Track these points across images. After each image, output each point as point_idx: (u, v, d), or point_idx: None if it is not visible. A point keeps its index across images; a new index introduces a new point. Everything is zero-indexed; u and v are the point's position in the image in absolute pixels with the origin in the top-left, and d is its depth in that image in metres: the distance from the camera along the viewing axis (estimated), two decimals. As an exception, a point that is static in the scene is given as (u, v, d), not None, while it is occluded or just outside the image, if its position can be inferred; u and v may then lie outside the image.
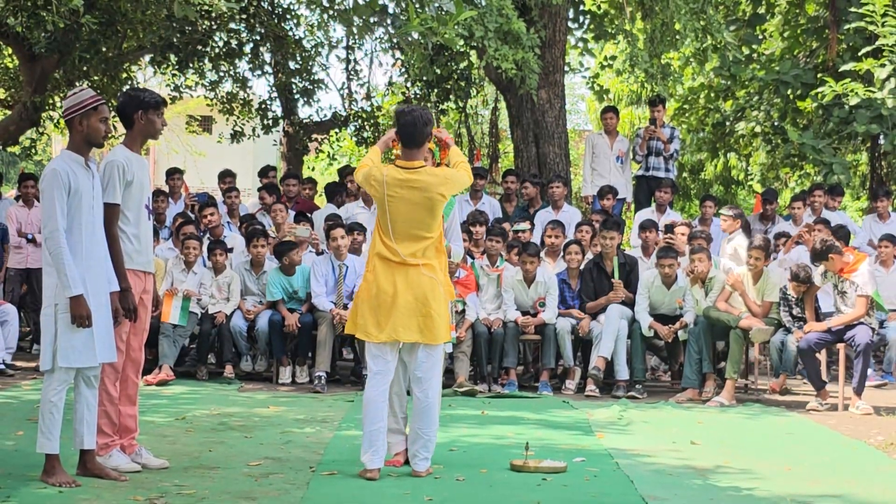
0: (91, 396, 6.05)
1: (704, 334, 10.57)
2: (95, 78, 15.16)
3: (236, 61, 17.21)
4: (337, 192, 13.81)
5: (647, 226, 12.28)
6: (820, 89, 14.03)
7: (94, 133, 6.04)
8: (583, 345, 11.36)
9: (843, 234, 11.75)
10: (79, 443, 6.05)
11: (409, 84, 17.72)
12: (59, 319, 5.85)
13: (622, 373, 10.84)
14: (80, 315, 5.80)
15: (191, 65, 16.48)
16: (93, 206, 6.01)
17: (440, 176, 6.45)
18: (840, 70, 14.75)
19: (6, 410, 8.60)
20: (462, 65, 16.64)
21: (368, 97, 18.42)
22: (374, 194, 6.41)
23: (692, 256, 10.86)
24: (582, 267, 11.46)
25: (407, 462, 6.63)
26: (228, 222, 12.92)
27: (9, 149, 16.62)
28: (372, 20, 11.11)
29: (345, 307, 11.00)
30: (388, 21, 11.01)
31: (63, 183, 5.86)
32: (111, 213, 6.26)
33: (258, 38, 16.76)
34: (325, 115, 18.39)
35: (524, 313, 11.18)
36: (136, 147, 6.49)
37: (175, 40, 15.22)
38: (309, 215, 12.72)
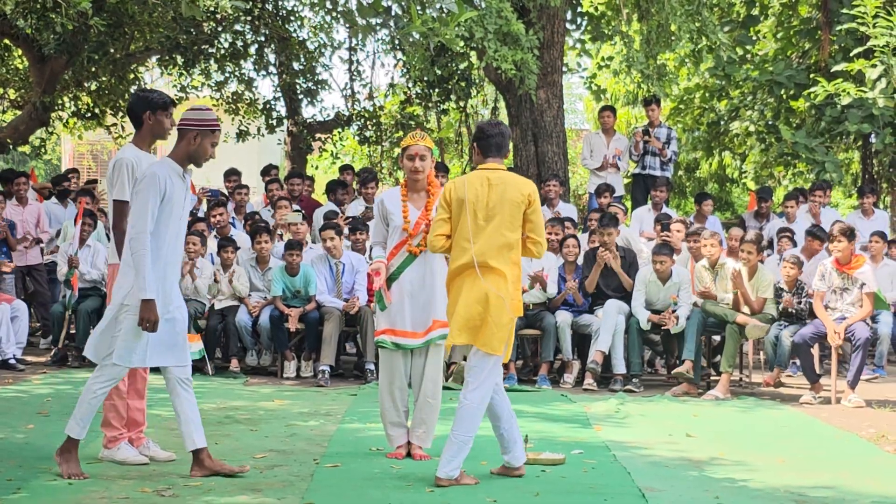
0: (189, 397, 6.10)
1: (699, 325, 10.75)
2: (104, 79, 15.31)
3: (241, 62, 17.29)
4: (335, 191, 13.94)
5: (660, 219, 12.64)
6: (812, 89, 14.11)
7: (202, 152, 6.10)
8: (581, 339, 11.47)
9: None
10: (190, 444, 6.07)
11: (410, 84, 17.85)
12: (126, 319, 5.91)
13: (619, 367, 10.95)
14: (148, 318, 5.83)
15: (197, 65, 16.59)
16: (181, 217, 6.09)
17: (522, 179, 6.41)
18: (832, 70, 14.82)
19: (17, 404, 8.69)
20: (462, 65, 16.74)
21: (371, 97, 18.50)
22: (456, 198, 6.25)
23: (703, 240, 11.01)
24: (580, 261, 11.65)
25: (408, 455, 6.78)
26: (234, 219, 13.07)
27: (19, 148, 16.75)
28: (375, 21, 11.24)
29: (345, 301, 11.25)
30: (391, 22, 11.14)
31: (159, 188, 5.90)
32: (120, 209, 6.35)
33: (263, 39, 16.87)
34: (329, 115, 18.45)
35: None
36: (144, 146, 6.57)
37: (181, 41, 15.32)
38: (302, 210, 12.84)
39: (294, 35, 17.15)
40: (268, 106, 17.82)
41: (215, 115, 6.19)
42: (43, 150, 17.96)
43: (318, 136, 18.50)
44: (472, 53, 15.51)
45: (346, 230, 12.07)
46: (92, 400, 5.95)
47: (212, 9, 10.77)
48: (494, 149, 6.38)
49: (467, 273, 6.17)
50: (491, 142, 6.37)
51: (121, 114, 15.88)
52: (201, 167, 6.26)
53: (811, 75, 15.41)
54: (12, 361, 10.97)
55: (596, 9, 17.71)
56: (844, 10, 14.45)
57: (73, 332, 11.83)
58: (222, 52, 16.74)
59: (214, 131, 6.10)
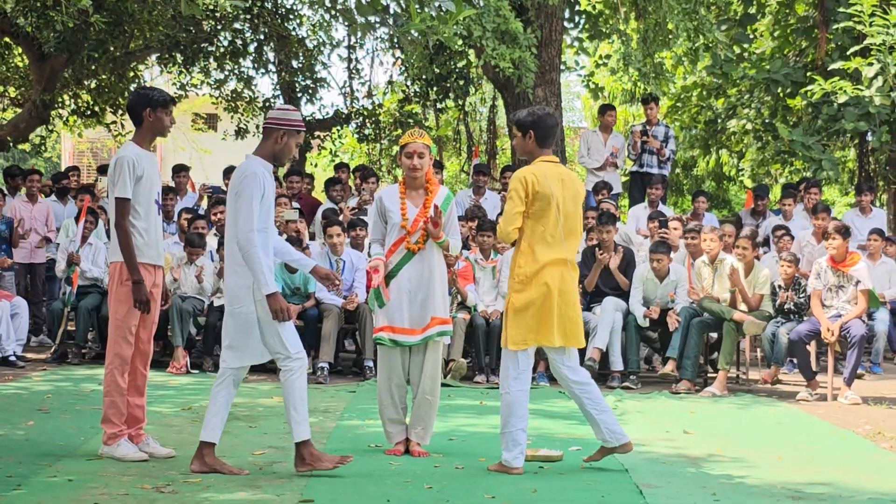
0: (233, 394, 6.16)
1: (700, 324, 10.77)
2: (103, 76, 15.34)
3: (241, 60, 17.36)
4: (328, 189, 13.93)
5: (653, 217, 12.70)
6: (809, 87, 14.13)
7: (287, 151, 6.14)
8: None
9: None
10: (206, 435, 6.09)
11: (409, 82, 17.88)
12: (268, 314, 5.94)
13: (617, 364, 10.98)
14: (279, 309, 5.90)
15: (196, 64, 16.66)
16: (273, 213, 6.18)
17: (574, 174, 6.53)
18: (829, 69, 14.84)
19: (17, 401, 8.69)
20: (461, 63, 16.78)
21: (369, 95, 18.53)
22: (541, 192, 6.33)
23: (703, 235, 11.04)
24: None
25: (407, 451, 6.80)
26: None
27: (19, 146, 16.80)
28: (374, 19, 11.28)
29: (344, 298, 11.30)
30: (390, 20, 11.18)
31: (261, 186, 5.95)
32: (122, 207, 6.37)
33: (262, 37, 16.94)
34: (328, 113, 18.47)
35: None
36: (145, 144, 6.61)
37: (181, 39, 15.36)
38: (299, 208, 12.87)
39: (293, 33, 17.20)
40: (267, 104, 17.86)
41: (301, 116, 6.25)
42: (43, 147, 18.02)
43: (317, 133, 18.53)
44: (471, 51, 15.55)
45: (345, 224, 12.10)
46: (302, 395, 6.01)
47: (211, 7, 10.82)
48: (552, 139, 6.51)
49: (553, 269, 6.27)
50: (550, 132, 6.50)
51: (120, 111, 15.94)
52: (284, 165, 6.30)
53: (808, 73, 15.43)
54: (12, 358, 10.97)
55: (594, 7, 17.74)
56: (841, 9, 14.50)
57: (72, 329, 11.86)
58: (222, 50, 16.79)
59: (300, 132, 6.16)
